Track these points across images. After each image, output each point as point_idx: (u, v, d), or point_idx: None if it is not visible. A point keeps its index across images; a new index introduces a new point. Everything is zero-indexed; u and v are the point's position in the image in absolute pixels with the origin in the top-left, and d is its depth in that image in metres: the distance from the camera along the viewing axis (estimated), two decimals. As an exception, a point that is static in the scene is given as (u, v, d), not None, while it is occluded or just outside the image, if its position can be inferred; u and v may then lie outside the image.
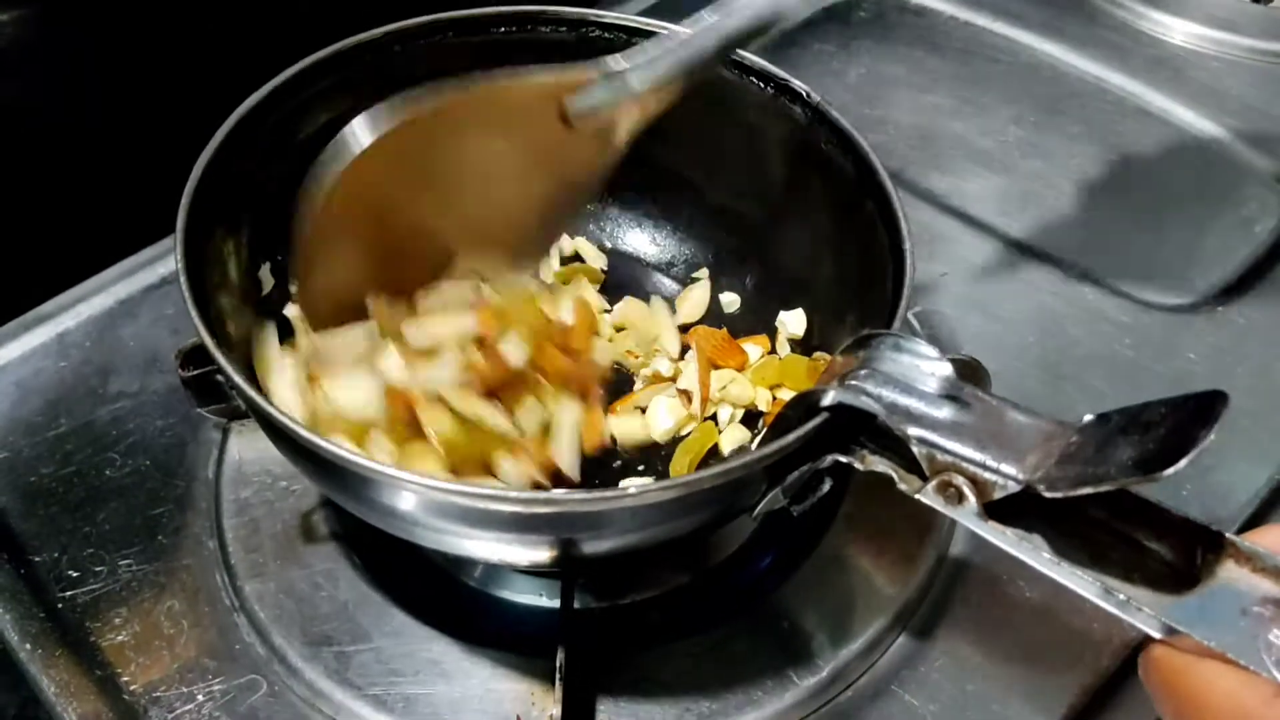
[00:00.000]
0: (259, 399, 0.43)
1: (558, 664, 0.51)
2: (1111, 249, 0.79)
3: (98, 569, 0.57)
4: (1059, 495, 0.35)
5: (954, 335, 0.72)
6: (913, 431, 0.39)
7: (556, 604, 0.56)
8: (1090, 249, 0.79)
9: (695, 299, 0.67)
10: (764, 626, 0.56)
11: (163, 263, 0.72)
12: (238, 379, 0.43)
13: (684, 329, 0.66)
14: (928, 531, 0.59)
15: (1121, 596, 0.35)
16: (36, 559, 0.58)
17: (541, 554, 0.45)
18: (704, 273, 0.68)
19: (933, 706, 0.54)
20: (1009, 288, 0.76)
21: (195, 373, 0.54)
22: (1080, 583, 0.36)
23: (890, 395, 0.40)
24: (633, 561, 0.57)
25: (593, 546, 0.44)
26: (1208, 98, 0.92)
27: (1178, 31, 0.98)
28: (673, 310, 0.67)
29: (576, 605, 0.56)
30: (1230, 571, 0.35)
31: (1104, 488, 0.34)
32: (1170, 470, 0.32)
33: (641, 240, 0.70)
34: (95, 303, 0.70)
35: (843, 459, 0.43)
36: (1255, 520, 0.63)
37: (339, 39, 0.57)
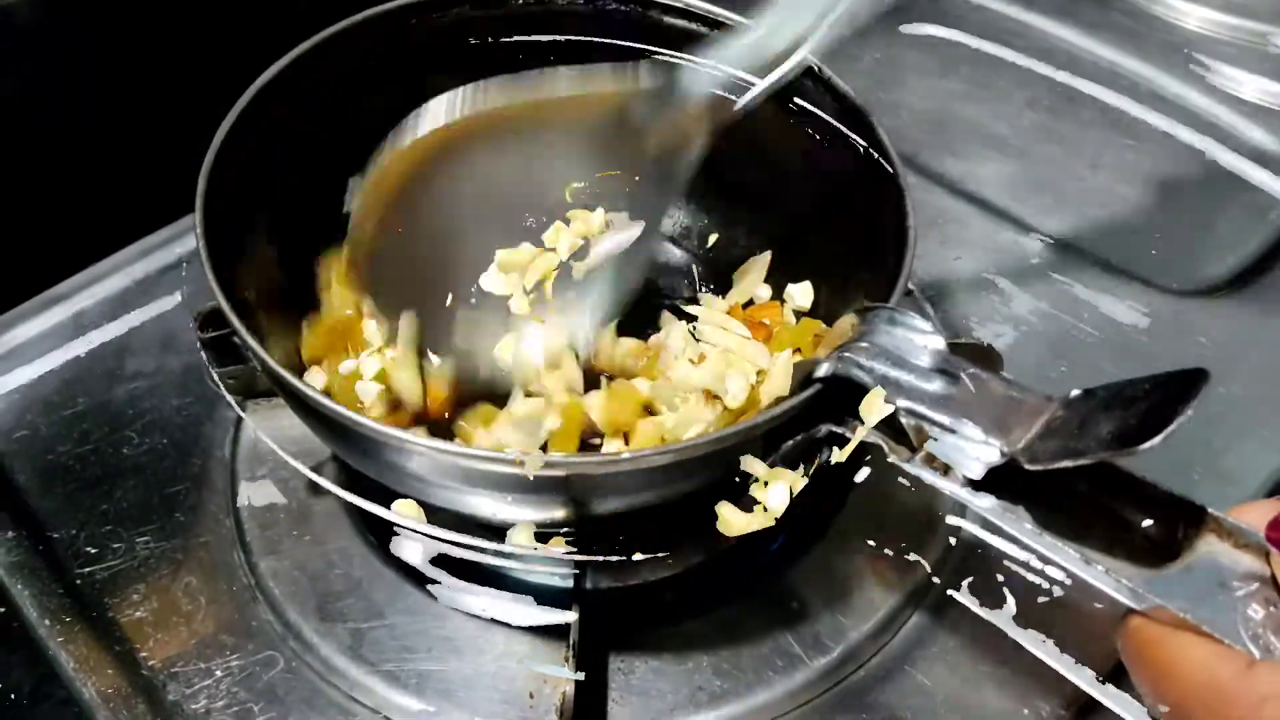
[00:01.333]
0: (270, 361, 0.43)
1: (570, 642, 0.52)
2: (1124, 234, 0.79)
3: (115, 546, 0.58)
4: (1039, 468, 0.35)
5: (967, 319, 0.72)
6: (902, 403, 0.40)
7: (570, 583, 0.56)
8: (1103, 234, 0.79)
9: (750, 280, 0.65)
10: (776, 606, 0.56)
11: (180, 242, 0.73)
12: (251, 340, 0.44)
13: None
14: (940, 512, 0.60)
15: (1101, 568, 0.36)
16: (55, 536, 0.58)
17: (543, 514, 0.46)
18: (767, 255, 0.66)
19: (945, 686, 0.54)
20: (1022, 272, 0.76)
21: (213, 334, 0.55)
22: (1061, 553, 0.37)
23: (882, 368, 0.41)
24: (642, 541, 0.57)
25: (592, 509, 0.45)
26: (1222, 83, 0.91)
27: (1192, 17, 0.97)
28: (721, 295, 0.66)
29: (589, 585, 0.56)
30: (1211, 546, 0.35)
31: (1083, 461, 0.34)
32: (1147, 445, 0.32)
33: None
34: (111, 283, 0.71)
35: (836, 429, 0.43)
36: (1267, 506, 0.63)
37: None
